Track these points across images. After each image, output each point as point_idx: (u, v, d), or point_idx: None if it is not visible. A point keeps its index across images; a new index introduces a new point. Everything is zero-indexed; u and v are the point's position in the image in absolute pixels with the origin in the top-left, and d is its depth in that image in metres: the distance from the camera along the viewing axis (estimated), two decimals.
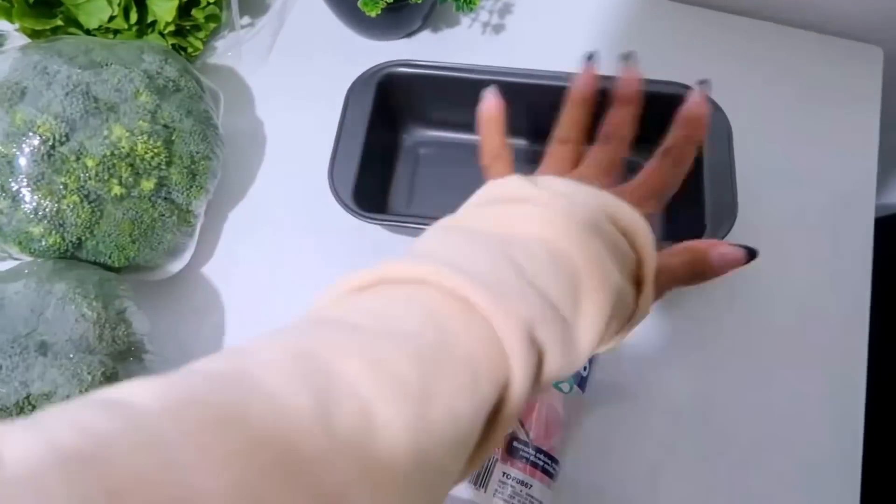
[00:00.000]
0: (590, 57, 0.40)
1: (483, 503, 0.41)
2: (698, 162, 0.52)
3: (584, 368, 0.45)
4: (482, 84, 0.56)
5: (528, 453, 0.42)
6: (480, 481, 0.41)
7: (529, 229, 0.28)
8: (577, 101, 0.39)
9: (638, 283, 0.31)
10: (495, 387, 0.25)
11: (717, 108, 0.54)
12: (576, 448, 0.48)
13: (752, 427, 0.50)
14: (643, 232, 0.30)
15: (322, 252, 0.56)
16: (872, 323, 0.54)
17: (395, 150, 0.61)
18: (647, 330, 0.53)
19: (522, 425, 0.43)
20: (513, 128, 0.59)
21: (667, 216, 0.56)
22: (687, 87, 0.55)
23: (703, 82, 0.39)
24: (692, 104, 0.37)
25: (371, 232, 0.56)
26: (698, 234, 0.49)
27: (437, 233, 0.29)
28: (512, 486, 0.41)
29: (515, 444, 0.42)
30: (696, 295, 0.54)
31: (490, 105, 0.40)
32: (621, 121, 0.38)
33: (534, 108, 0.58)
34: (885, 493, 0.54)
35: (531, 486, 0.42)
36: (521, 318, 0.25)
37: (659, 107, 0.56)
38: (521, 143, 0.60)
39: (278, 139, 0.62)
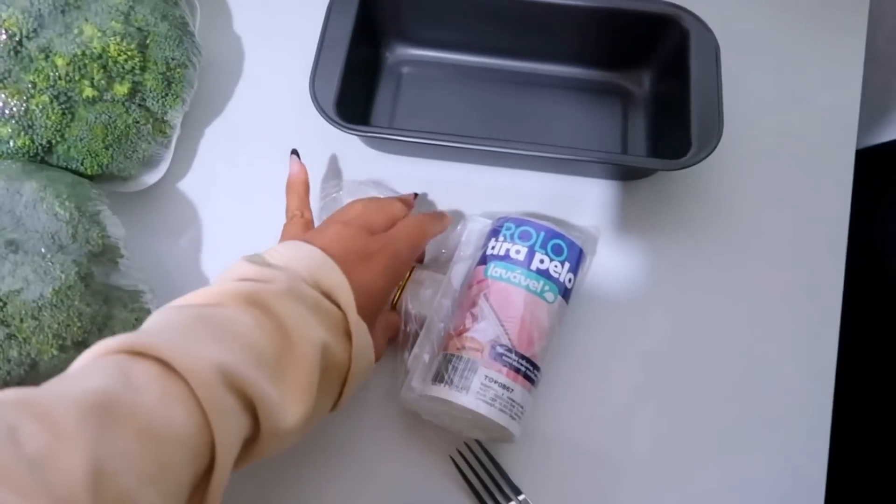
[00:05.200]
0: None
1: (466, 405, 0.40)
2: (685, 80, 0.51)
3: (569, 280, 0.45)
4: (466, 1, 0.56)
5: (511, 359, 0.42)
6: (462, 384, 0.41)
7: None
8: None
9: (349, 336, 0.36)
10: (188, 424, 0.28)
11: (705, 28, 0.53)
12: (557, 357, 0.48)
13: (726, 365, 0.50)
14: (342, 291, 0.36)
15: None
16: (849, 252, 0.55)
17: (377, 68, 0.59)
18: (628, 265, 0.53)
19: (506, 331, 0.42)
20: (496, 48, 0.59)
21: (654, 134, 0.56)
22: (674, 7, 0.54)
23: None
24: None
25: (352, 149, 0.55)
26: (684, 151, 0.49)
27: (162, 313, 0.34)
28: (494, 390, 0.41)
29: (498, 348, 0.42)
30: (680, 229, 0.54)
31: (294, 171, 0.47)
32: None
33: (517, 27, 0.57)
34: (853, 437, 0.55)
35: (513, 390, 0.41)
36: (211, 362, 0.30)
37: (645, 25, 0.55)
38: (505, 62, 0.59)
39: (256, 55, 0.60)
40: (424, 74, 0.59)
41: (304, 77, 0.51)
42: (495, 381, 0.41)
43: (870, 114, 0.63)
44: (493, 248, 0.46)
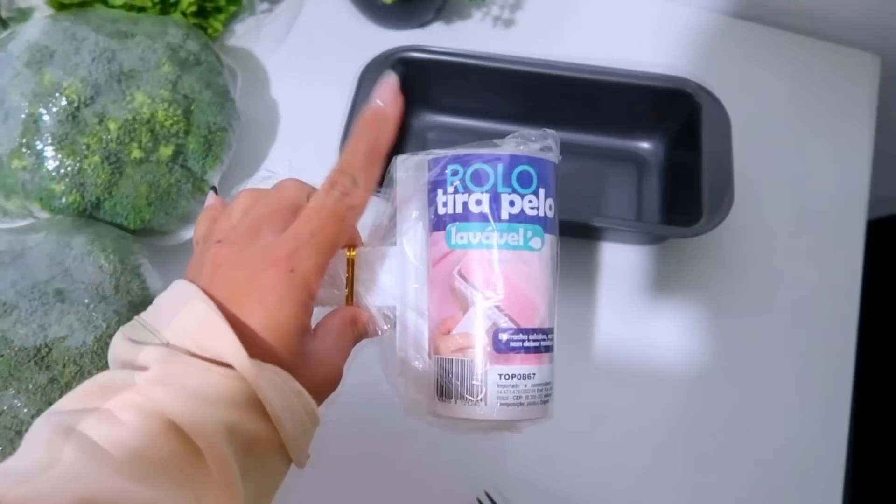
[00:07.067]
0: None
1: (487, 417, 0.34)
2: (697, 150, 0.54)
3: (550, 208, 0.35)
4: (491, 72, 0.59)
5: (520, 340, 0.34)
6: (479, 395, 0.34)
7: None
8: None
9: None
10: None
11: (716, 101, 0.56)
12: (578, 416, 0.49)
13: (743, 426, 0.52)
14: (231, 353, 0.28)
15: None
16: (861, 318, 0.56)
17: (403, 133, 0.63)
18: (642, 327, 0.55)
19: (502, 310, 0.34)
20: (517, 115, 0.62)
21: (667, 201, 0.59)
22: (686, 81, 0.57)
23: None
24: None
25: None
26: (696, 218, 0.51)
27: (32, 433, 0.28)
28: (514, 386, 0.34)
29: (501, 335, 0.34)
30: (693, 292, 0.56)
31: (209, 205, 0.36)
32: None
33: (537, 97, 0.60)
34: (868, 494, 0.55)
35: (534, 374, 0.34)
36: (74, 498, 0.24)
37: (659, 97, 0.58)
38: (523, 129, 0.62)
39: (292, 119, 0.64)
40: (449, 140, 0.63)
41: (334, 140, 0.55)
42: (513, 376, 0.34)
43: (881, 184, 0.64)
44: (444, 204, 0.34)
